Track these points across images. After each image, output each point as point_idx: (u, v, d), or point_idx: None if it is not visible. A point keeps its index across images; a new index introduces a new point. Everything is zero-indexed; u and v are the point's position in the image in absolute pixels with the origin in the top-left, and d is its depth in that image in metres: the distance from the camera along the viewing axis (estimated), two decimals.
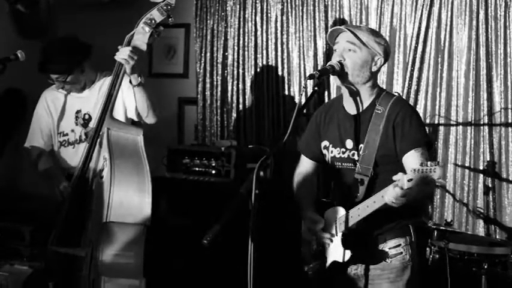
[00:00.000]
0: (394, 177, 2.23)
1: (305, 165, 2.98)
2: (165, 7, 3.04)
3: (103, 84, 3.49)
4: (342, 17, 4.59)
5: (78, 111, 3.54)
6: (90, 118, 3.49)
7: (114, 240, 2.97)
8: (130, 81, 3.19)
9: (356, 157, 2.64)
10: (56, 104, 3.59)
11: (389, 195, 2.28)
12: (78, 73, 3.44)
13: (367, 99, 2.67)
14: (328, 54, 4.63)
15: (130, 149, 3.12)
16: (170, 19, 3.08)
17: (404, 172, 2.57)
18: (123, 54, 3.05)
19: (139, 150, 3.12)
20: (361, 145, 2.61)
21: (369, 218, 2.50)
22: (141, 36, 3.08)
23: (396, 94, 2.71)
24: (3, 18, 4.99)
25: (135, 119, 3.45)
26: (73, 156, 3.48)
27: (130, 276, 3.02)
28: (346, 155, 2.68)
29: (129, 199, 2.97)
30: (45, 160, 3.59)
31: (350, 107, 2.71)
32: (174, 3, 3.05)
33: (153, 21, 3.06)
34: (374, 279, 2.63)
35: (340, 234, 2.60)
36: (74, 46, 3.47)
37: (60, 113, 3.57)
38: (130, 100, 3.37)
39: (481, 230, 4.16)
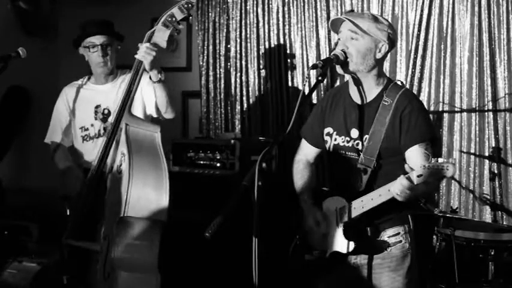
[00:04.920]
0: (406, 170, 2.23)
1: (306, 151, 2.94)
2: (186, 5, 3.09)
3: (123, 81, 3.51)
4: (343, 6, 4.58)
5: (97, 106, 3.55)
6: (109, 113, 3.51)
7: (130, 235, 2.95)
8: (150, 78, 3.21)
9: (360, 147, 2.61)
10: (76, 98, 3.60)
11: (395, 187, 2.28)
12: (115, 48, 3.51)
13: (373, 89, 2.63)
14: (331, 43, 4.63)
15: (148, 145, 3.10)
16: (191, 17, 3.13)
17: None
18: (141, 51, 3.09)
19: (157, 147, 3.11)
20: (366, 136, 2.59)
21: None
22: (161, 33, 3.12)
23: (403, 86, 2.66)
24: (5, 15, 4.99)
25: (155, 115, 3.48)
26: (92, 151, 3.48)
27: (145, 271, 3.00)
28: (350, 144, 2.65)
29: (147, 195, 2.96)
30: (64, 156, 3.59)
31: (356, 96, 2.68)
32: (195, 1, 3.12)
33: (174, 19, 3.10)
34: (375, 268, 2.62)
35: (341, 225, 2.59)
36: (111, 23, 3.57)
37: (80, 108, 3.59)
38: (150, 97, 3.40)
39: (487, 217, 4.16)
